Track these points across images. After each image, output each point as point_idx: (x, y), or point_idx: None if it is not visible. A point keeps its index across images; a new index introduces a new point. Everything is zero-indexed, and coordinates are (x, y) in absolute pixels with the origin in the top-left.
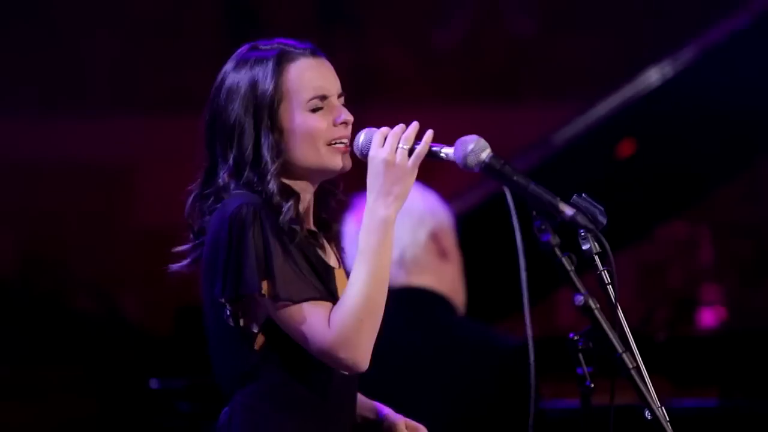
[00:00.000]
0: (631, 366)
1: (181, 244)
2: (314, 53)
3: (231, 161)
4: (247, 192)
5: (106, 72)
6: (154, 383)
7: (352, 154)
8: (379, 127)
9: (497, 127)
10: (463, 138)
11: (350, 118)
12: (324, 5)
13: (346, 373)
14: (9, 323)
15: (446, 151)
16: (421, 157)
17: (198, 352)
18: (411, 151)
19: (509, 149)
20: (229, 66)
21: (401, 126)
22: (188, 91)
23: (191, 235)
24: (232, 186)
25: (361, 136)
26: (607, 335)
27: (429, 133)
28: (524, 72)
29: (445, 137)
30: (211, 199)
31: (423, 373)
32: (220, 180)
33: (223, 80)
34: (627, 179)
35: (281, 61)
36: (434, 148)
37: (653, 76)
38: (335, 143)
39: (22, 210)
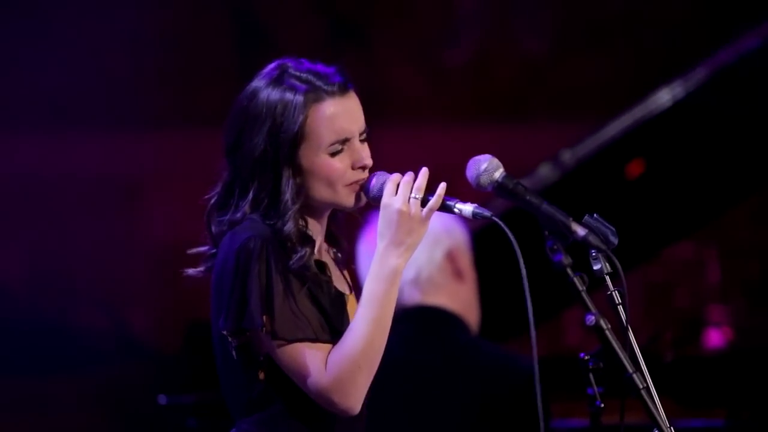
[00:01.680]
0: (641, 386)
1: (191, 262)
2: (342, 89)
3: (251, 194)
4: (260, 222)
5: (116, 87)
6: (162, 399)
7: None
8: (392, 165)
9: (507, 146)
10: (476, 157)
11: (369, 162)
12: (334, 23)
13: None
14: (17, 337)
15: (459, 207)
16: (435, 210)
17: (207, 369)
18: (423, 201)
19: (519, 168)
20: (257, 87)
21: (411, 174)
22: (199, 107)
23: (210, 239)
24: (248, 214)
25: (372, 180)
26: (617, 355)
27: (442, 187)
28: (535, 92)
29: (456, 156)
30: (227, 219)
31: (436, 392)
32: (239, 212)
33: (249, 102)
34: (636, 200)
35: (308, 101)
36: (448, 203)
37: (664, 96)
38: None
39: (31, 224)
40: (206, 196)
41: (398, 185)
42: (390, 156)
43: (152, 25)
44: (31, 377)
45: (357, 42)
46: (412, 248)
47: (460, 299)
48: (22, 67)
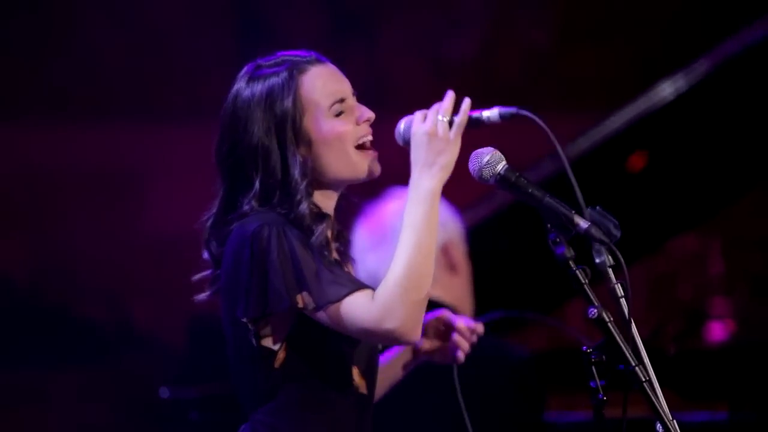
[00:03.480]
0: (643, 379)
1: (194, 254)
2: (319, 60)
3: (257, 185)
4: (268, 211)
5: (118, 79)
6: (164, 392)
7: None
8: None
9: (511, 138)
10: (479, 150)
11: (372, 115)
12: (337, 14)
13: (395, 345)
14: (19, 329)
15: (487, 115)
16: (463, 127)
17: (209, 362)
18: (451, 123)
19: (523, 161)
20: (238, 89)
21: (439, 103)
22: (199, 100)
23: (210, 261)
24: (256, 208)
25: (402, 124)
26: (620, 348)
27: (466, 102)
28: (540, 84)
29: (459, 148)
30: (233, 216)
31: (432, 384)
32: (246, 206)
33: (235, 104)
34: (639, 192)
35: (293, 74)
36: (474, 116)
37: (667, 89)
38: (363, 143)
39: (32, 216)
40: (202, 219)
41: (426, 115)
42: (394, 147)
43: (152, 17)
44: (33, 370)
45: (361, 34)
46: (445, 169)
47: (454, 292)
48: (20, 60)
